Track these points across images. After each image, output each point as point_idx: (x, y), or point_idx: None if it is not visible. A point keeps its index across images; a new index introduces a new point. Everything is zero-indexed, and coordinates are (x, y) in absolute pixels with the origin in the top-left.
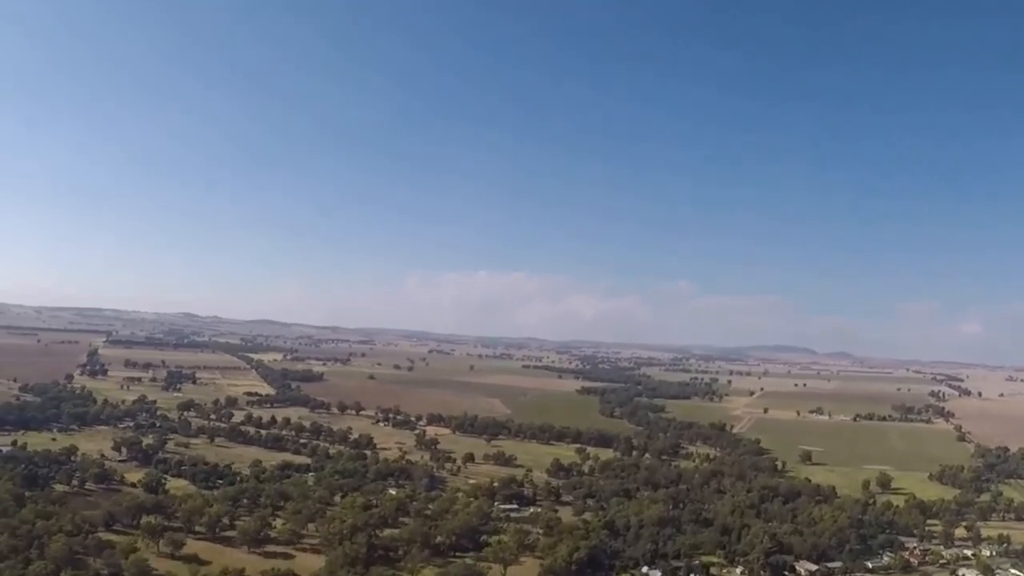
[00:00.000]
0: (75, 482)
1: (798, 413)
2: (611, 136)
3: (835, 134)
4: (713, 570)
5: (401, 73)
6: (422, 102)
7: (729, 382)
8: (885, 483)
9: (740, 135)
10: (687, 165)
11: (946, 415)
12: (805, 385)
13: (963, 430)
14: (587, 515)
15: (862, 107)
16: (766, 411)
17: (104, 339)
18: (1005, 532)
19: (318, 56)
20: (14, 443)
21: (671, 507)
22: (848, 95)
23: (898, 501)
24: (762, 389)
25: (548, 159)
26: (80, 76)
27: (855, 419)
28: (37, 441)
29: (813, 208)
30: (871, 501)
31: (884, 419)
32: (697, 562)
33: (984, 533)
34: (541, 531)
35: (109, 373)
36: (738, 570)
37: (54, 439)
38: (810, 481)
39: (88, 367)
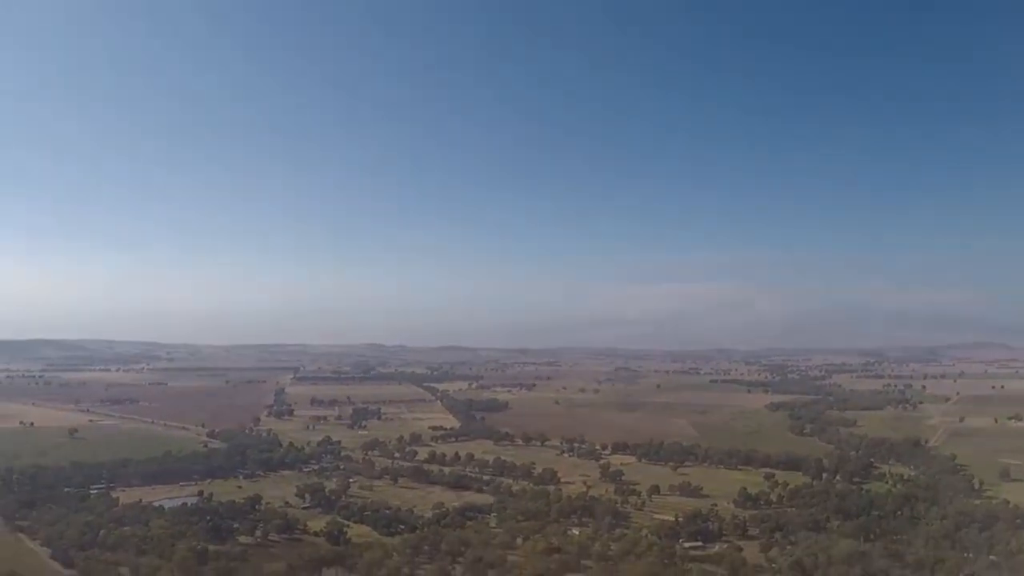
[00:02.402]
0: (258, 533)
1: (995, 420)
2: (796, 149)
3: None
4: None
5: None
6: (593, 128)
7: (924, 387)
8: None
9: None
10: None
11: None
12: (1003, 387)
13: None
14: (773, 551)
15: None
16: (962, 420)
17: (291, 376)
18: None
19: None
20: (200, 493)
21: (862, 539)
22: None
23: None
24: (958, 393)
25: (729, 166)
26: (264, 109)
27: None
28: (223, 490)
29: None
30: None
31: None
32: None
33: None
34: (726, 574)
35: (295, 413)
36: None
37: (240, 487)
38: (1008, 503)
39: (274, 407)
